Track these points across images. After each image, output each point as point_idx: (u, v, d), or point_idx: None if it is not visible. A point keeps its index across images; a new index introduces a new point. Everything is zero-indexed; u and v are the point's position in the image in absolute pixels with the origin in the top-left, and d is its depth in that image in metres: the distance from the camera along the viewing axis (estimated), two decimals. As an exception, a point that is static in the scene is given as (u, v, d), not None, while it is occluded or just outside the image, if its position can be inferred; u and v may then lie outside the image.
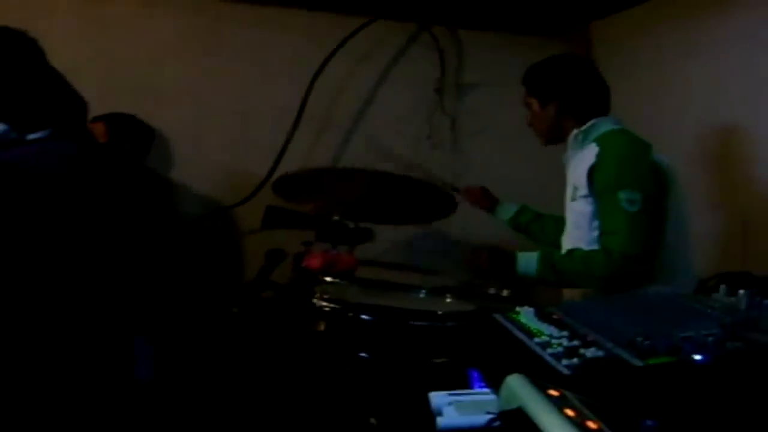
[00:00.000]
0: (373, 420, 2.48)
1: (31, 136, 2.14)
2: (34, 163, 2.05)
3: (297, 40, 4.44)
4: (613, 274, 2.67)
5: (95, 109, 2.81)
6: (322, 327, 2.64)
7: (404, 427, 2.39)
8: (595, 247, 2.81)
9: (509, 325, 1.86)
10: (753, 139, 3.32)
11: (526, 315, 1.92)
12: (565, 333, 1.65)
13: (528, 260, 2.86)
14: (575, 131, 2.95)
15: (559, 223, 3.16)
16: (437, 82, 4.59)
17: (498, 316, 1.97)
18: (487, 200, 3.53)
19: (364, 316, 2.57)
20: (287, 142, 4.36)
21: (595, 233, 2.82)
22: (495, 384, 1.49)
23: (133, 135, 3.93)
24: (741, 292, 1.65)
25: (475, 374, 1.75)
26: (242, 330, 3.09)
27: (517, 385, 1.33)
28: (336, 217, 3.46)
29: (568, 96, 2.99)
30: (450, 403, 1.57)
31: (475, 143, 4.64)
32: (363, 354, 2.54)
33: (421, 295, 2.90)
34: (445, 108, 4.60)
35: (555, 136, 3.06)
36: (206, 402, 3.07)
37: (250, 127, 4.39)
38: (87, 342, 2.09)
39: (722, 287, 1.75)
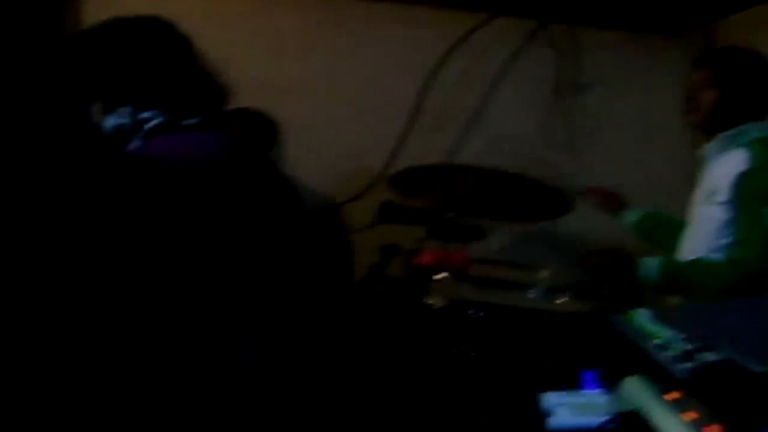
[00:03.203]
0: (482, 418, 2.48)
1: (186, 122, 2.18)
2: (195, 150, 2.11)
3: (415, 35, 4.44)
4: (735, 286, 2.57)
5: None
6: (433, 324, 2.65)
7: (514, 427, 2.38)
8: (719, 255, 2.74)
9: (625, 327, 1.85)
10: None
11: (642, 317, 1.90)
12: (682, 336, 1.63)
13: (649, 266, 2.80)
14: (724, 134, 2.86)
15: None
16: (554, 81, 4.56)
17: (613, 317, 1.96)
18: (614, 203, 3.46)
19: (475, 314, 2.58)
20: (402, 138, 4.38)
21: (724, 241, 2.74)
22: (608, 385, 1.48)
23: (261, 130, 3.98)
24: None
25: (588, 375, 1.74)
26: (353, 324, 3.11)
27: (636, 387, 1.32)
28: (450, 214, 3.46)
29: (753, 94, 2.88)
30: (562, 404, 1.56)
31: (590, 144, 4.58)
32: (473, 352, 2.54)
33: (535, 294, 2.88)
34: (561, 107, 4.56)
35: (715, 126, 2.91)
36: (313, 393, 3.11)
37: (365, 123, 4.42)
38: (196, 329, 2.12)
39: None
